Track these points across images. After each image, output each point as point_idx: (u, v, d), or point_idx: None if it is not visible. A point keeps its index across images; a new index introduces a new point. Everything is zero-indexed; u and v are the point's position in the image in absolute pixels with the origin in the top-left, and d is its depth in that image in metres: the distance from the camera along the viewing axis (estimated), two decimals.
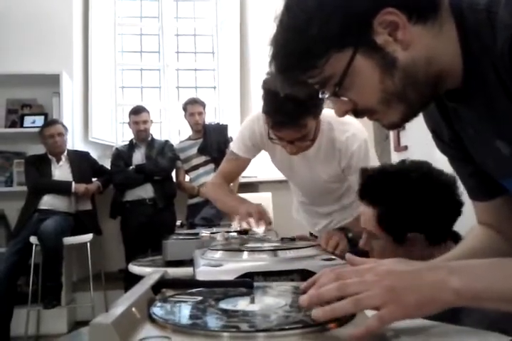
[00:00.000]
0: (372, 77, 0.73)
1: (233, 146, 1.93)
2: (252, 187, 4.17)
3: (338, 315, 0.60)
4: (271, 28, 0.75)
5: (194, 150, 4.00)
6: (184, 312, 0.71)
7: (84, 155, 4.06)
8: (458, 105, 0.79)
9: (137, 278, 1.06)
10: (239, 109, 4.81)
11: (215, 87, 5.25)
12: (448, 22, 0.71)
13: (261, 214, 1.63)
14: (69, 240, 3.66)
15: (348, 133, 1.70)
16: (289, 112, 1.48)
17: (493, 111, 0.72)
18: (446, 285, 0.60)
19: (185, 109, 4.06)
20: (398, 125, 0.79)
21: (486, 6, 0.67)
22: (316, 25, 0.70)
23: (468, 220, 0.99)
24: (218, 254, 1.21)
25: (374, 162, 1.76)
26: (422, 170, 1.25)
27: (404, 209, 1.22)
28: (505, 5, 0.65)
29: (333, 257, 1.20)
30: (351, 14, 0.69)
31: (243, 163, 1.95)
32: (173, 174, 4.10)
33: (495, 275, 0.61)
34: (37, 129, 4.01)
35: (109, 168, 4.06)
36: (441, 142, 0.92)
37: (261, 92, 1.62)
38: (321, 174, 1.81)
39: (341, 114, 0.80)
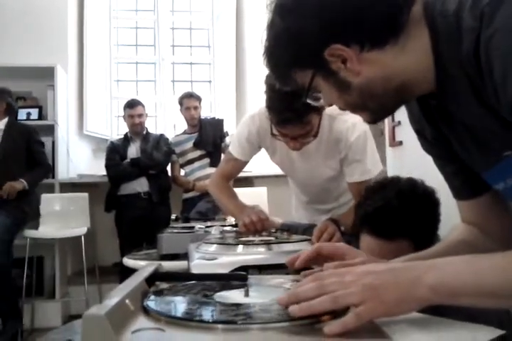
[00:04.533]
0: (331, 93, 0.81)
1: (231, 148, 1.95)
2: (247, 181, 4.17)
3: (316, 311, 0.61)
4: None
5: (189, 145, 4.00)
6: (178, 304, 0.70)
7: (27, 132, 3.53)
8: (438, 103, 0.80)
9: (132, 272, 1.06)
10: (235, 103, 4.80)
11: (210, 81, 5.24)
12: (418, 34, 0.73)
13: (262, 222, 1.65)
14: (63, 233, 3.66)
15: (349, 123, 1.73)
16: (297, 109, 1.48)
17: (465, 113, 0.74)
18: (422, 282, 0.61)
19: (180, 103, 4.05)
20: (374, 122, 0.87)
21: (455, 11, 0.68)
22: (279, 50, 0.80)
23: (452, 221, 0.99)
24: (213, 248, 1.21)
25: (373, 153, 1.78)
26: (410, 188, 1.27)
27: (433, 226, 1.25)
28: (469, 9, 0.66)
29: None
30: (302, 48, 0.76)
31: (241, 164, 1.99)
32: (168, 168, 4.09)
33: (469, 271, 0.62)
34: (32, 122, 4.00)
35: (48, 160, 3.74)
36: (426, 141, 0.93)
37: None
38: (323, 169, 1.83)
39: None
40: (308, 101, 0.84)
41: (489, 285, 0.60)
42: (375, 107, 0.81)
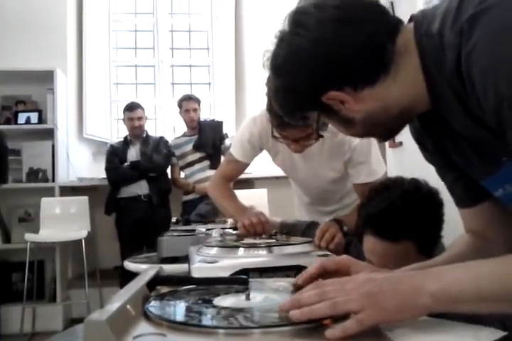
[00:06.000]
0: (338, 127, 0.88)
1: (232, 150, 1.94)
2: (247, 183, 4.16)
3: (316, 316, 0.61)
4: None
5: (189, 147, 3.99)
6: (179, 309, 0.70)
7: None
8: (436, 116, 0.82)
9: (133, 275, 1.05)
10: (234, 105, 4.80)
11: (210, 83, 5.24)
12: (407, 60, 0.76)
13: (262, 224, 1.64)
14: (63, 237, 3.66)
15: None
16: None
17: (459, 126, 0.77)
18: (423, 289, 0.62)
19: (180, 105, 4.05)
20: (384, 141, 0.96)
21: (438, 31, 0.71)
22: (279, 100, 0.87)
23: (456, 222, 0.99)
24: (214, 251, 1.21)
25: (377, 154, 1.78)
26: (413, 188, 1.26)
27: (436, 228, 1.25)
28: (450, 27, 0.69)
29: (329, 253, 1.20)
30: (299, 99, 0.83)
31: (242, 166, 1.97)
32: (168, 170, 4.09)
33: (468, 278, 0.63)
34: (31, 126, 4.01)
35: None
36: (427, 152, 0.95)
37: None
38: (326, 170, 1.82)
39: None
40: (320, 133, 0.91)
41: (488, 291, 0.61)
42: (381, 132, 0.88)
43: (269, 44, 0.83)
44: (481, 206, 0.90)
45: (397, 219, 1.20)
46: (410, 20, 0.80)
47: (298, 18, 0.79)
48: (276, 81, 0.84)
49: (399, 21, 0.79)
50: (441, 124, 0.82)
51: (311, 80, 0.78)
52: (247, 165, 1.96)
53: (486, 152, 0.77)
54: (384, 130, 0.86)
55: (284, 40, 0.80)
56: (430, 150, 0.93)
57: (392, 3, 2.36)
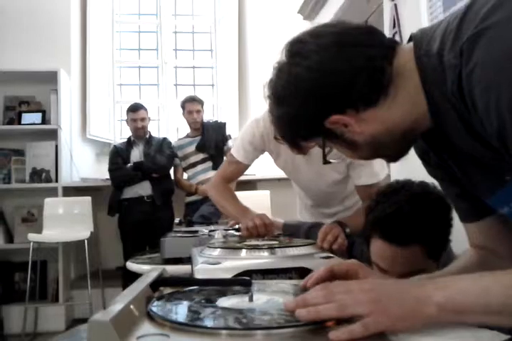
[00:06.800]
0: (344, 151, 0.87)
1: (233, 151, 1.95)
2: (250, 185, 4.17)
3: (322, 316, 0.61)
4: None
5: (192, 148, 4.00)
6: (182, 310, 0.71)
7: None
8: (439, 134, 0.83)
9: (135, 276, 1.06)
10: (237, 107, 4.81)
11: (213, 85, 5.25)
12: (407, 79, 0.77)
13: (266, 227, 1.64)
14: (66, 237, 3.67)
15: None
16: None
17: (462, 145, 0.77)
18: (429, 299, 0.62)
19: (183, 107, 4.05)
20: (394, 162, 0.91)
21: (438, 51, 0.71)
22: (282, 129, 0.88)
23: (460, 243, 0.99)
24: (216, 252, 1.21)
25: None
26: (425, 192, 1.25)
27: (443, 233, 1.23)
28: (450, 47, 0.69)
29: (331, 255, 1.20)
30: (302, 127, 0.83)
31: (243, 168, 1.98)
32: (171, 171, 4.10)
33: (474, 289, 0.63)
34: (35, 126, 4.02)
35: None
36: (430, 167, 0.95)
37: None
38: (329, 172, 1.82)
39: None
40: (330, 160, 0.90)
41: (494, 303, 0.61)
42: (389, 153, 0.87)
43: (268, 75, 0.84)
44: (485, 220, 0.90)
45: (406, 223, 1.19)
46: (410, 39, 0.80)
47: (295, 48, 0.80)
48: (277, 110, 0.84)
49: (395, 43, 0.80)
50: (444, 142, 0.82)
51: (313, 107, 0.79)
52: (247, 166, 1.97)
53: (489, 170, 0.78)
54: (390, 151, 0.85)
55: (282, 70, 0.81)
56: (433, 165, 0.93)
57: (395, 6, 2.36)
